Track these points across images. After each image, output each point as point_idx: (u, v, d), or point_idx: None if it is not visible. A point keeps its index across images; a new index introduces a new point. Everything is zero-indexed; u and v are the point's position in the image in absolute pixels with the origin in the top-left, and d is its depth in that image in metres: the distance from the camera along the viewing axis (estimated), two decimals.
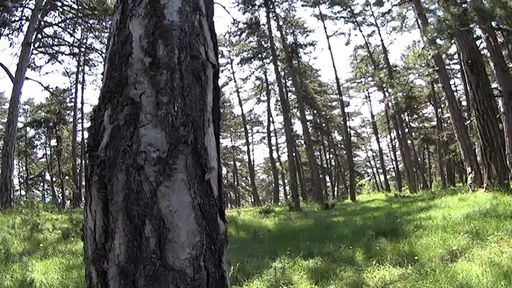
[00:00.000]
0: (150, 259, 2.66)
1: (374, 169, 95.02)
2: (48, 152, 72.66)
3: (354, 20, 58.10)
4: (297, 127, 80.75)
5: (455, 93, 48.54)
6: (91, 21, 39.81)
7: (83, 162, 51.66)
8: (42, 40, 38.97)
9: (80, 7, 38.76)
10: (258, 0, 49.89)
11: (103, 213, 2.83)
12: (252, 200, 75.63)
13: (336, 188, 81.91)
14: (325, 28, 59.71)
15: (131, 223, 2.71)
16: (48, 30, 39.62)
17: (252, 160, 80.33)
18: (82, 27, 43.50)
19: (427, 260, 8.58)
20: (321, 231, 15.21)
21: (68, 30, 41.70)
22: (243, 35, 59.14)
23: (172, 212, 2.74)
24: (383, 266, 8.51)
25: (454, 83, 58.31)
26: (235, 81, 70.53)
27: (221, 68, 66.08)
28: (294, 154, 52.58)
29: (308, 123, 62.38)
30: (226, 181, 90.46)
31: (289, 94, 66.74)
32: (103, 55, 37.40)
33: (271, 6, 48.10)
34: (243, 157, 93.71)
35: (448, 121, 44.02)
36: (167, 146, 2.84)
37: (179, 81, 3.02)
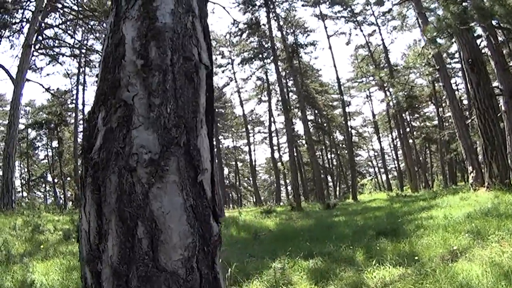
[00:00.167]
0: (142, 260, 2.66)
1: (376, 169, 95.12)
2: (50, 154, 72.81)
3: (355, 19, 58.14)
4: (299, 127, 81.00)
5: (456, 92, 48.60)
6: (91, 23, 39.76)
7: None
8: (43, 41, 38.89)
9: (80, 9, 38.74)
10: (258, 0, 49.94)
11: (96, 215, 2.84)
12: (254, 200, 75.64)
13: (338, 188, 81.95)
14: (325, 27, 60.12)
15: (124, 224, 2.72)
16: (49, 32, 39.54)
17: (253, 160, 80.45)
18: (83, 28, 43.45)
19: (427, 260, 8.55)
20: (322, 231, 15.18)
21: (69, 31, 41.72)
22: (244, 35, 59.20)
23: (164, 213, 2.75)
24: (383, 266, 8.50)
25: (455, 82, 58.33)
26: (236, 82, 70.85)
27: (222, 69, 66.50)
28: (295, 154, 52.65)
29: (309, 123, 62.47)
30: (228, 182, 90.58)
31: (290, 94, 66.73)
32: None
33: (271, 6, 48.13)
34: (244, 157, 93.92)
35: (450, 120, 44.02)
36: (159, 147, 2.84)
37: (172, 83, 3.02)
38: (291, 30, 59.79)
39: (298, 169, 54.74)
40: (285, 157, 70.48)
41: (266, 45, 58.98)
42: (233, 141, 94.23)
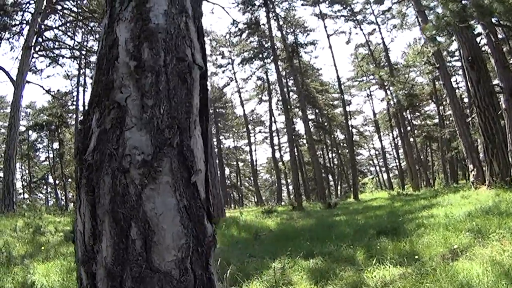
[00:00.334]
0: (136, 261, 2.67)
1: (377, 168, 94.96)
2: (51, 155, 72.75)
3: (355, 18, 58.02)
4: (300, 126, 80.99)
5: (456, 90, 48.57)
6: (91, 24, 39.74)
7: None
8: (43, 43, 38.99)
9: (80, 10, 38.77)
10: (258, 0, 49.93)
11: (91, 216, 2.86)
12: (255, 200, 75.57)
13: (339, 187, 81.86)
14: (325, 27, 60.32)
15: (117, 225, 2.73)
16: (49, 34, 39.63)
17: (254, 160, 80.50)
18: (83, 30, 43.42)
19: (428, 259, 8.54)
20: (322, 231, 15.16)
21: (69, 33, 41.70)
22: (244, 35, 59.21)
23: (157, 214, 2.76)
24: (384, 265, 8.48)
25: (456, 80, 58.27)
26: (236, 82, 70.68)
27: (222, 69, 66.74)
28: (296, 153, 52.65)
29: (310, 122, 62.43)
30: (229, 182, 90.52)
31: (291, 93, 66.68)
32: None
33: (271, 6, 48.10)
34: (245, 157, 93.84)
35: (450, 118, 44.01)
36: (152, 149, 2.85)
37: (165, 84, 3.03)
38: (291, 30, 59.69)
39: (299, 169, 54.72)
40: (286, 157, 70.72)
41: (266, 45, 58.99)
42: (234, 141, 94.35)
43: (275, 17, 49.26)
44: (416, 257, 8.79)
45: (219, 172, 63.32)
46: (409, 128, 63.86)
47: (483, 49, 28.01)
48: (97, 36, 41.53)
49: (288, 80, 64.89)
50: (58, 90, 55.20)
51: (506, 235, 9.38)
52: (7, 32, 35.91)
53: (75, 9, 38.96)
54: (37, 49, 36.82)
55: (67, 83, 70.52)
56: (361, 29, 58.82)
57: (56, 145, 67.64)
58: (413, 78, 61.30)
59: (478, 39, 25.96)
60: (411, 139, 62.93)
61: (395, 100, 55.07)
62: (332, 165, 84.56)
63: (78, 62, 47.01)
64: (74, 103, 56.08)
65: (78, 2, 38.63)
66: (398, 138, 67.41)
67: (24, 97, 37.96)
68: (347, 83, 76.50)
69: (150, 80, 2.98)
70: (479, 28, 25.51)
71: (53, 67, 44.68)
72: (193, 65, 3.23)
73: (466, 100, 49.74)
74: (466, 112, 40.38)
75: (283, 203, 49.96)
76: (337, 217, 21.68)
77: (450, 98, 29.75)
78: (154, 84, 2.98)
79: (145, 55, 3.04)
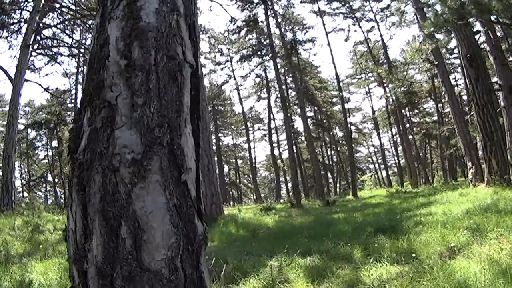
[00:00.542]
0: (126, 260, 2.68)
1: (376, 165, 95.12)
2: (50, 154, 72.89)
3: (353, 16, 58.05)
4: (298, 123, 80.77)
5: (456, 88, 48.63)
6: (89, 22, 39.58)
7: None
8: (41, 41, 38.87)
9: (78, 8, 38.71)
10: None
11: (82, 215, 2.87)
12: (254, 197, 75.62)
13: (338, 184, 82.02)
14: (324, 24, 60.06)
15: (107, 224, 2.74)
16: (47, 32, 39.50)
17: (253, 157, 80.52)
18: (81, 28, 43.29)
19: (425, 257, 8.51)
20: (320, 228, 15.15)
21: (67, 31, 41.60)
22: (242, 33, 59.27)
23: (147, 213, 2.76)
24: (381, 263, 8.46)
25: (455, 78, 58.32)
26: (235, 79, 70.80)
27: (220, 66, 66.89)
28: (295, 151, 52.67)
29: (308, 119, 62.44)
30: (228, 179, 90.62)
31: (290, 91, 66.71)
32: None
33: (269, 3, 48.00)
34: (244, 154, 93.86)
35: (449, 116, 43.97)
36: (141, 147, 2.85)
37: (156, 82, 3.03)
38: (290, 27, 59.65)
39: (298, 166, 54.78)
40: (285, 154, 70.47)
41: (264, 42, 58.90)
42: (232, 138, 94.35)
43: (273, 15, 49.23)
44: (414, 255, 8.75)
45: (218, 169, 63.35)
46: (408, 125, 63.94)
47: (482, 46, 28.04)
48: None
49: (286, 77, 64.83)
50: (57, 88, 55.17)
51: (504, 233, 9.35)
52: (5, 31, 35.84)
53: (73, 7, 38.89)
54: (35, 47, 36.78)
55: (65, 81, 70.48)
56: (360, 27, 58.98)
57: (55, 143, 67.74)
58: (412, 76, 61.58)
59: (476, 37, 26.03)
60: (410, 137, 63.02)
61: (393, 97, 55.12)
62: (331, 162, 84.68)
63: (77, 60, 46.98)
64: (73, 101, 56.02)
65: (76, 0, 38.61)
66: (397, 136, 67.45)
67: (23, 96, 38.05)
68: (346, 80, 76.73)
69: (140, 78, 2.98)
70: (478, 26, 25.55)
71: (52, 65, 44.63)
72: (183, 63, 3.23)
73: (465, 97, 49.86)
74: (465, 110, 40.45)
75: (282, 200, 49.98)
76: (335, 214, 21.67)
77: (449, 95, 29.79)
78: (144, 82, 2.99)
79: (135, 54, 3.05)
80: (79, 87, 53.02)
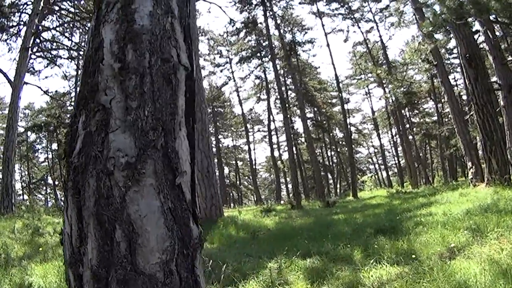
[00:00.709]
0: (121, 263, 2.68)
1: (376, 166, 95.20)
2: (50, 156, 72.96)
3: (352, 16, 58.03)
4: (298, 125, 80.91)
5: (455, 88, 48.69)
6: (89, 25, 39.58)
7: None
8: (41, 44, 38.93)
9: (77, 11, 38.79)
10: None
11: (77, 218, 2.87)
12: (255, 199, 75.66)
13: (338, 185, 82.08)
14: (323, 25, 60.17)
15: (102, 228, 2.73)
16: (46, 35, 39.59)
17: (253, 159, 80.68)
18: (80, 30, 43.26)
19: (425, 258, 8.49)
20: (320, 230, 15.12)
21: (66, 34, 41.68)
22: (241, 34, 59.37)
23: (141, 216, 2.75)
24: (381, 265, 8.44)
25: (454, 78, 58.37)
26: (234, 80, 70.66)
27: (220, 68, 66.97)
28: (295, 152, 52.72)
29: (308, 120, 62.44)
30: (228, 181, 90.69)
31: (289, 92, 66.78)
32: None
33: (268, 5, 47.98)
34: (244, 156, 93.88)
35: (449, 116, 43.95)
36: (135, 151, 2.85)
37: (150, 85, 3.02)
38: (289, 28, 59.72)
39: (298, 167, 54.83)
40: (285, 156, 70.47)
41: (263, 44, 58.92)
42: (232, 140, 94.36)
43: (272, 16, 49.24)
44: (414, 256, 8.73)
45: (218, 171, 63.35)
46: (407, 125, 64.06)
47: (481, 46, 28.07)
48: None
49: (286, 78, 64.86)
50: (56, 91, 55.17)
51: (505, 233, 9.31)
52: (4, 34, 35.93)
53: (72, 9, 39.01)
54: (34, 50, 36.87)
55: (65, 83, 70.94)
56: (359, 27, 59.01)
57: (55, 146, 67.83)
58: (411, 76, 61.58)
59: (476, 36, 26.02)
60: (410, 137, 63.13)
61: (393, 98, 55.13)
62: (331, 163, 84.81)
63: (76, 62, 46.94)
64: (72, 103, 56.04)
65: (75, 2, 38.65)
66: (397, 136, 67.53)
67: (22, 98, 38.03)
68: (346, 81, 76.81)
69: (134, 82, 2.97)
70: (477, 25, 25.53)
71: (51, 68, 44.61)
72: (178, 65, 3.22)
73: (464, 97, 49.97)
74: (464, 110, 40.50)
75: (282, 201, 49.88)
76: (335, 215, 21.64)
77: (448, 95, 29.82)
78: (138, 85, 2.98)
79: (129, 57, 3.03)
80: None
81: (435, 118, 64.27)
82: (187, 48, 3.40)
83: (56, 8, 38.24)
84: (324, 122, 75.09)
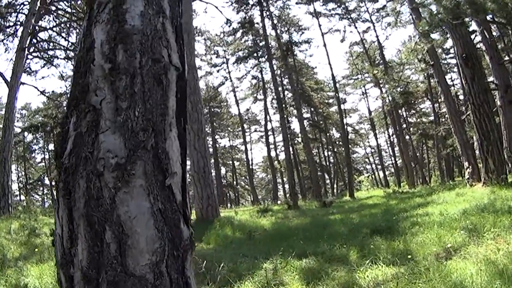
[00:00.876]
0: (111, 264, 2.67)
1: (373, 165, 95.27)
2: (47, 157, 72.85)
3: (349, 16, 58.00)
4: (295, 125, 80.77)
5: (452, 88, 48.78)
6: None
7: None
8: (37, 44, 38.87)
9: (74, 11, 38.67)
10: None
11: (68, 219, 2.86)
12: (252, 199, 75.67)
13: (335, 185, 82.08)
14: (320, 25, 59.73)
15: (92, 229, 2.73)
16: (43, 35, 39.47)
17: (250, 159, 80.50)
18: (77, 30, 43.01)
19: (421, 259, 8.47)
20: (317, 230, 15.11)
21: (63, 34, 41.51)
22: (238, 34, 59.38)
23: (131, 218, 2.75)
24: (377, 265, 8.42)
25: (451, 78, 58.53)
26: (231, 81, 70.49)
27: (217, 68, 66.95)
28: (292, 152, 52.73)
29: (305, 120, 62.51)
30: (225, 181, 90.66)
31: (286, 92, 66.66)
32: None
33: (264, 5, 48.01)
34: (241, 156, 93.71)
35: (446, 116, 44.00)
36: (125, 152, 2.84)
37: (140, 86, 3.01)
38: (285, 28, 59.67)
39: (294, 167, 54.76)
40: (282, 156, 70.39)
41: (260, 44, 58.94)
42: (229, 140, 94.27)
43: (269, 16, 49.23)
44: (410, 256, 8.72)
45: (214, 171, 63.36)
46: (404, 125, 64.24)
47: (477, 46, 28.09)
48: None
49: (283, 78, 64.87)
50: (53, 91, 55.10)
51: (501, 233, 9.31)
52: (1, 34, 35.84)
53: (69, 9, 38.89)
54: (31, 50, 36.78)
55: (61, 84, 70.44)
56: (356, 27, 58.95)
57: (51, 146, 67.65)
58: (408, 76, 61.52)
59: (472, 36, 25.99)
60: (407, 137, 63.15)
61: (390, 98, 55.13)
62: (328, 163, 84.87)
63: (73, 63, 46.88)
64: None
65: (72, 2, 38.52)
66: (394, 136, 67.39)
67: (19, 99, 38.01)
68: (342, 81, 76.78)
69: (124, 82, 2.97)
70: (473, 25, 25.57)
71: (48, 68, 44.35)
72: (169, 66, 3.21)
73: (461, 97, 49.92)
74: (461, 110, 40.44)
75: (279, 202, 49.91)
76: (332, 215, 21.64)
77: (445, 95, 29.86)
78: (128, 86, 2.97)
79: (119, 57, 3.03)
80: None
81: (432, 118, 64.41)
82: (178, 48, 3.39)
83: (53, 8, 38.17)
84: (321, 122, 75.22)
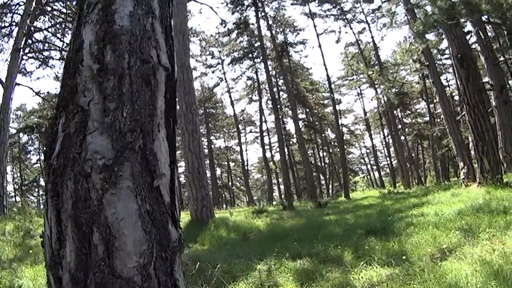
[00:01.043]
0: (99, 266, 2.67)
1: (368, 166, 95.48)
2: (42, 158, 72.65)
3: (344, 17, 58.05)
4: (290, 126, 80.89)
5: (447, 88, 48.82)
6: None
7: None
8: (32, 45, 38.86)
9: (69, 12, 38.60)
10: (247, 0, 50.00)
11: (56, 221, 2.85)
12: (247, 200, 75.71)
13: (330, 186, 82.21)
14: (315, 26, 59.71)
15: (79, 230, 2.73)
16: (38, 35, 39.45)
17: (245, 160, 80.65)
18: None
19: (416, 259, 8.44)
20: (311, 231, 15.05)
21: (58, 34, 41.46)
22: (233, 35, 59.47)
23: (118, 219, 2.74)
24: (371, 266, 8.40)
25: (446, 78, 58.64)
26: (226, 82, 70.51)
27: (212, 69, 66.97)
28: (287, 153, 52.76)
29: (300, 121, 62.42)
30: (220, 182, 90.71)
31: (281, 93, 66.68)
32: None
33: (260, 6, 48.05)
34: (236, 157, 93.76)
35: (441, 116, 44.03)
36: (113, 153, 2.83)
37: (128, 86, 3.00)
38: (281, 29, 59.66)
39: (290, 168, 54.78)
40: (277, 156, 70.40)
41: (255, 45, 58.93)
42: (224, 141, 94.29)
43: (264, 17, 49.26)
44: (405, 257, 8.70)
45: (209, 172, 63.33)
46: (400, 126, 64.36)
47: (473, 46, 28.12)
48: None
49: (278, 79, 64.84)
50: (48, 92, 54.80)
51: (497, 233, 9.27)
52: None
53: (64, 10, 38.83)
54: (26, 50, 36.79)
55: (57, 84, 70.13)
56: (351, 28, 59.07)
57: None
58: (403, 77, 61.64)
59: (467, 37, 26.02)
60: (402, 137, 63.32)
61: (385, 98, 55.25)
62: (323, 164, 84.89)
63: None
64: None
65: (68, 3, 38.43)
66: (389, 137, 67.47)
67: (14, 100, 37.86)
68: (337, 82, 76.90)
69: (112, 83, 2.95)
70: (469, 26, 25.64)
71: (43, 69, 44.33)
72: (158, 66, 3.19)
73: (456, 98, 50.11)
74: (456, 110, 40.64)
75: (274, 202, 49.91)
76: (327, 216, 21.60)
77: (440, 96, 29.86)
78: (116, 87, 2.96)
79: (108, 58, 3.02)
80: None
81: (427, 118, 64.52)
82: (168, 48, 3.38)
83: (48, 8, 38.14)
84: (316, 123, 75.23)
